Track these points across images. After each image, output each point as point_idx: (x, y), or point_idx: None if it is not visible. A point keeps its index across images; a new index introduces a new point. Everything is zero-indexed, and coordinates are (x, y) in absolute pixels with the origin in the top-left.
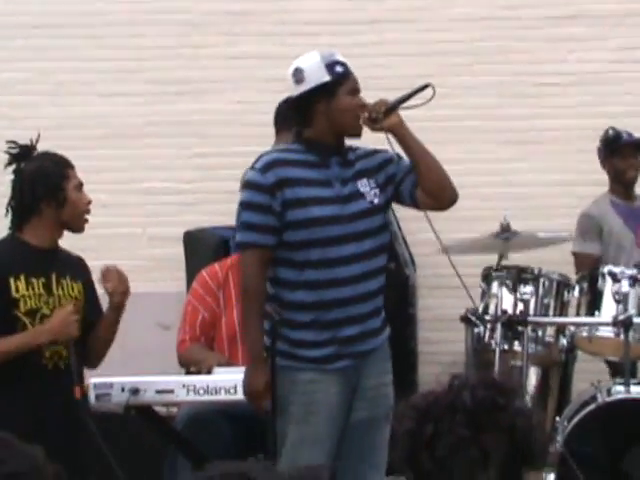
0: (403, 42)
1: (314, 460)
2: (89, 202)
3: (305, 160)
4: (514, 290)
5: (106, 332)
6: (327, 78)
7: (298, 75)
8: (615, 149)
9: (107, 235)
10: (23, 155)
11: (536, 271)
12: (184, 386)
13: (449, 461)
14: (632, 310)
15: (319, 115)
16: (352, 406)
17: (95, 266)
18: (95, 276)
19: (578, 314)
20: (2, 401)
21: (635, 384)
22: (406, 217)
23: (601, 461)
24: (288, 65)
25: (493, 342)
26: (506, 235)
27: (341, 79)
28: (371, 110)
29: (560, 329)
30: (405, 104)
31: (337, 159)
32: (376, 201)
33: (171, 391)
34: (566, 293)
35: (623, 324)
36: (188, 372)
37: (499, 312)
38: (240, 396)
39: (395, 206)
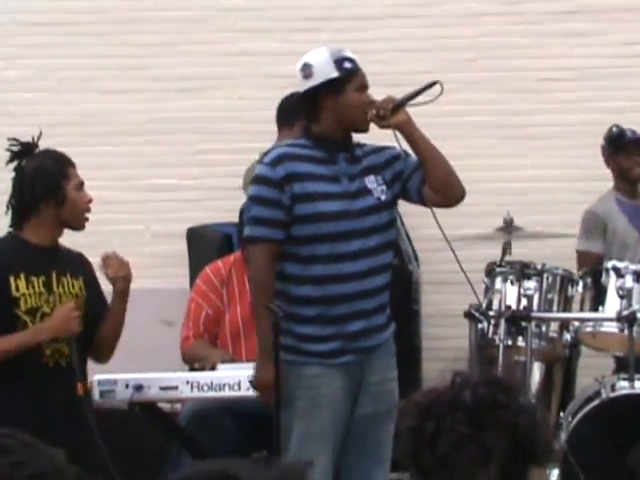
0: (404, 38)
1: (319, 455)
2: (89, 201)
3: (313, 155)
4: (518, 286)
5: (113, 323)
6: (335, 74)
7: (307, 70)
8: (619, 147)
9: (110, 232)
10: (24, 152)
11: (540, 266)
12: (188, 383)
13: (450, 459)
14: (636, 305)
15: (327, 110)
16: (357, 401)
17: (98, 263)
18: (97, 266)
19: (582, 309)
20: (3, 399)
21: None
22: (409, 213)
23: (605, 457)
24: (289, 61)
25: (497, 338)
26: (509, 230)
27: (349, 75)
28: (379, 107)
29: (564, 324)
30: (413, 101)
31: (344, 155)
32: (383, 197)
33: (175, 388)
34: (570, 288)
35: (627, 319)
36: (192, 369)
37: (503, 308)
38: (244, 392)
39: (398, 201)
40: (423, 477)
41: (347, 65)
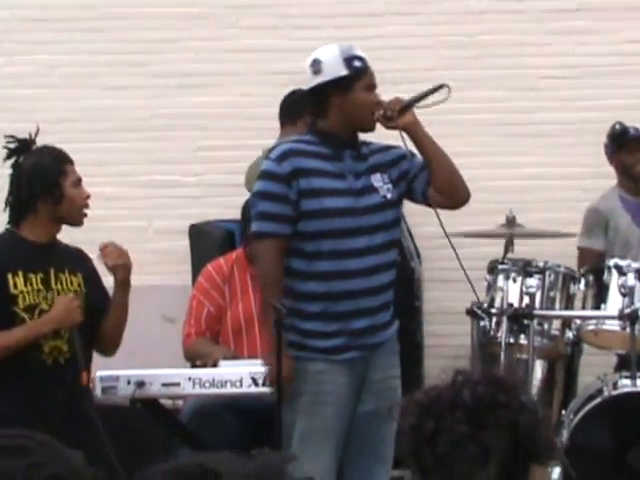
0: (406, 35)
1: (322, 451)
2: (87, 197)
3: (319, 152)
4: (520, 283)
5: (116, 315)
6: (344, 72)
7: (316, 66)
8: (622, 144)
9: (112, 228)
10: (22, 149)
11: (542, 264)
12: (190, 379)
13: (449, 458)
14: (638, 303)
15: (334, 108)
16: (359, 398)
17: (98, 254)
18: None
19: (584, 307)
20: (2, 398)
21: None
22: (411, 210)
23: (607, 454)
24: (291, 58)
25: (499, 335)
26: (512, 228)
27: (358, 74)
28: (386, 108)
29: (566, 322)
30: (420, 103)
31: (350, 152)
32: (389, 196)
33: (177, 384)
34: (572, 286)
35: (629, 317)
36: (194, 366)
37: (505, 305)
38: (246, 389)
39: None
40: (424, 475)
41: (357, 64)
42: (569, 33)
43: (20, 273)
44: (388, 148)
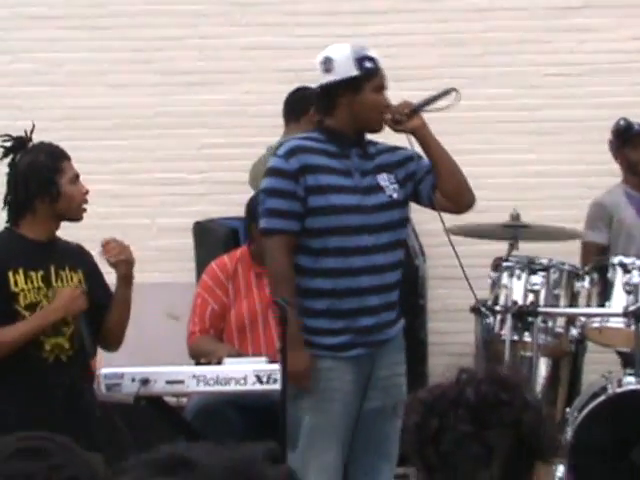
0: (409, 32)
1: (329, 448)
2: (86, 192)
3: (326, 149)
4: (524, 281)
5: (119, 310)
6: (355, 72)
7: (327, 64)
8: (627, 140)
9: (116, 226)
10: (18, 147)
11: (546, 262)
12: (194, 377)
13: (452, 457)
14: None
15: (342, 107)
16: (365, 395)
17: (99, 251)
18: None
19: (588, 305)
20: (3, 396)
21: None
22: (415, 208)
23: (611, 452)
24: (296, 56)
25: (503, 333)
26: (516, 225)
27: (369, 75)
28: (395, 111)
29: (570, 320)
30: (428, 107)
31: (357, 151)
32: (395, 196)
33: (181, 382)
34: (576, 284)
35: (634, 315)
36: (198, 364)
37: (509, 303)
38: (250, 387)
39: None
40: (428, 473)
41: (368, 65)
42: (572, 30)
43: (21, 271)
44: (395, 149)
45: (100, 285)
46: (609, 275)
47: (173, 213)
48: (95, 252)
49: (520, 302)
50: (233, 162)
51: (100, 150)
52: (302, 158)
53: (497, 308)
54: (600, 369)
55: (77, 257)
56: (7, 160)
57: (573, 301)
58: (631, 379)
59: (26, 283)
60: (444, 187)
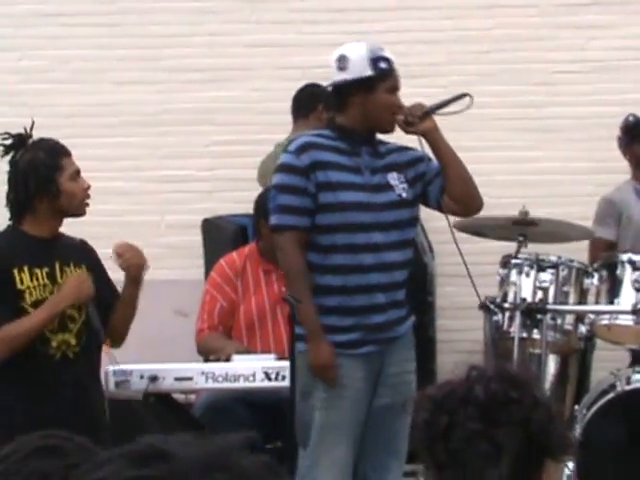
0: (418, 29)
1: (340, 445)
2: (87, 188)
3: (336, 146)
4: (533, 278)
5: (124, 310)
6: (370, 72)
7: (343, 62)
8: (636, 136)
9: (125, 223)
10: (18, 144)
11: (555, 259)
12: (203, 373)
13: (461, 454)
14: None
15: (355, 105)
16: (375, 392)
17: (109, 254)
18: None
19: (597, 302)
20: (9, 393)
21: None
22: None
23: (620, 449)
24: (304, 53)
25: (512, 330)
26: (526, 223)
27: (383, 76)
28: (407, 113)
29: (579, 317)
30: (441, 110)
31: (367, 149)
32: (404, 195)
33: (190, 378)
34: (585, 281)
35: None
36: (207, 360)
37: (518, 300)
38: (259, 383)
39: None
40: (438, 471)
41: (382, 65)
42: (581, 27)
43: (25, 268)
44: (405, 149)
45: (105, 282)
46: (618, 272)
47: (181, 210)
48: (106, 250)
49: (529, 299)
50: (241, 159)
51: (108, 147)
52: (313, 155)
53: (506, 305)
54: (609, 366)
55: (81, 253)
56: (8, 157)
57: (582, 298)
58: None
59: (31, 280)
60: (453, 190)
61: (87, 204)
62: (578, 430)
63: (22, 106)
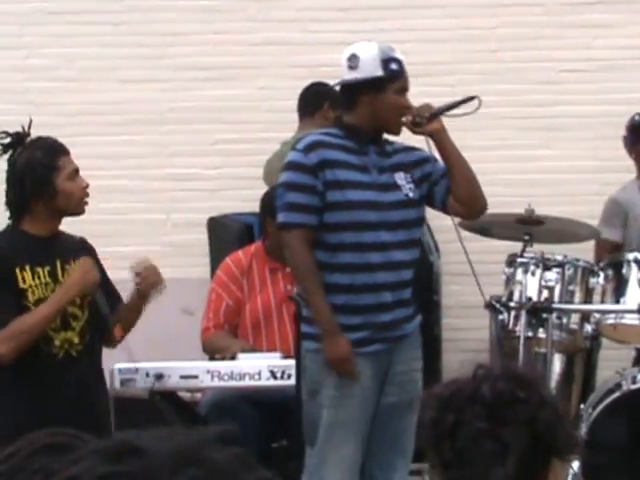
0: (423, 28)
1: (348, 443)
2: (86, 187)
3: (344, 145)
4: (539, 277)
5: (128, 318)
6: (380, 73)
7: (353, 61)
8: None
9: (131, 221)
10: (16, 143)
11: (561, 258)
12: (209, 372)
13: (467, 453)
14: None
15: (363, 105)
16: (382, 390)
17: (119, 252)
18: (122, 263)
19: (603, 301)
20: (13, 393)
21: None
22: None
23: (625, 448)
24: (310, 51)
25: (517, 329)
26: (530, 221)
27: (393, 77)
28: (415, 114)
29: (585, 316)
30: (449, 112)
31: (375, 148)
32: (411, 195)
33: (196, 377)
34: (591, 280)
35: None
36: (212, 359)
37: (524, 299)
38: (264, 382)
39: None
40: (443, 469)
41: (393, 66)
42: (587, 26)
43: (27, 267)
44: (411, 149)
45: (104, 282)
46: (624, 271)
47: (187, 209)
48: (114, 248)
49: (535, 298)
50: (247, 157)
51: (114, 145)
52: (321, 153)
53: (511, 304)
54: (614, 365)
55: (81, 251)
56: (7, 156)
57: (588, 297)
58: None
59: (33, 279)
60: (458, 192)
61: (86, 203)
62: (584, 429)
63: (28, 104)
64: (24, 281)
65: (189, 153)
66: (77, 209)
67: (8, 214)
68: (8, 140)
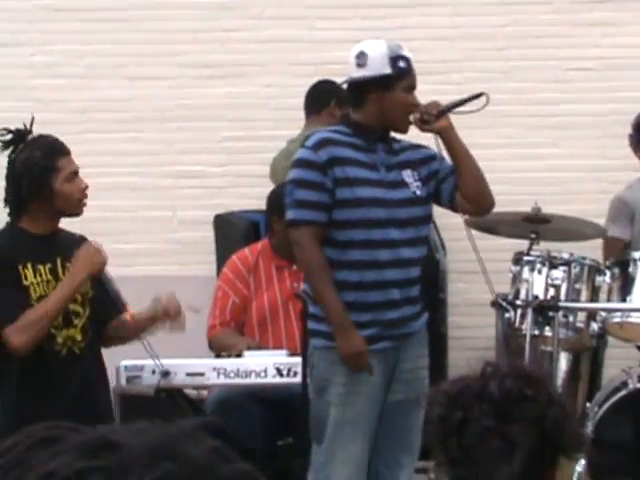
0: (431, 26)
1: (355, 440)
2: (85, 188)
3: (352, 142)
4: (545, 275)
5: (134, 332)
6: (388, 71)
7: (362, 59)
8: None
9: (137, 218)
10: (17, 140)
11: (567, 256)
12: (215, 369)
13: (474, 450)
14: None
15: (371, 102)
16: (389, 388)
17: (125, 249)
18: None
19: (609, 300)
20: (15, 390)
21: None
22: None
23: (631, 447)
24: (317, 49)
25: (524, 327)
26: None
27: (401, 75)
28: (423, 111)
29: (591, 314)
30: (457, 109)
31: (382, 145)
32: (419, 192)
33: (202, 374)
34: (598, 278)
35: None
36: (219, 356)
37: (530, 297)
38: (270, 379)
39: None
40: (450, 466)
41: (401, 64)
42: (595, 24)
43: (29, 265)
44: (418, 147)
45: (103, 289)
46: (630, 270)
47: (194, 206)
48: (123, 245)
49: (541, 296)
50: (254, 155)
51: (120, 143)
52: (330, 150)
53: (518, 302)
54: (621, 364)
55: None
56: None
57: (594, 296)
58: None
59: (35, 277)
60: (465, 189)
61: (84, 204)
62: (590, 427)
63: (35, 101)
64: (26, 278)
65: (196, 150)
66: (75, 210)
67: (7, 211)
68: (9, 137)
